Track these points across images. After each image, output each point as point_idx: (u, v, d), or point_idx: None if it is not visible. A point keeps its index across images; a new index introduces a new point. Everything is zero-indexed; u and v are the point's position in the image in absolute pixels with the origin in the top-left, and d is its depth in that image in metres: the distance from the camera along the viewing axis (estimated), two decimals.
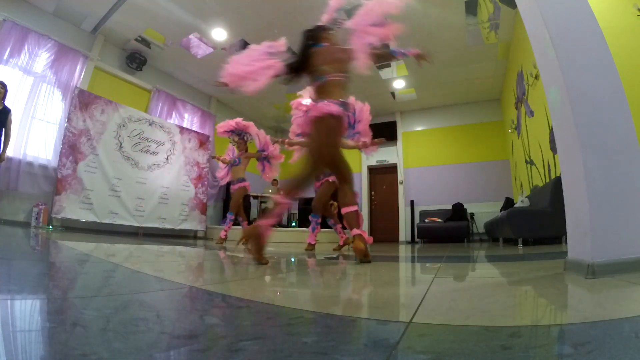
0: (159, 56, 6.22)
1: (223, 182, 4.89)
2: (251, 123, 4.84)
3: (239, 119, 4.86)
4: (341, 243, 3.72)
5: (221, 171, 5.10)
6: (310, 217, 3.79)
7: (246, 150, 4.84)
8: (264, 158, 4.80)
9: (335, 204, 7.91)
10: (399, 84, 7.06)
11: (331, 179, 3.57)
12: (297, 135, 3.97)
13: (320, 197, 3.68)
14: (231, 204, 4.75)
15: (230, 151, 5.01)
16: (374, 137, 3.57)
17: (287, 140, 3.92)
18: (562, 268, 1.42)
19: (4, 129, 3.88)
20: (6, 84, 3.93)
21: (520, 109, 5.44)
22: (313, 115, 2.04)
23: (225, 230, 4.58)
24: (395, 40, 2.34)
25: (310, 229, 3.79)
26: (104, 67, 5.67)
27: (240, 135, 4.81)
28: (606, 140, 1.28)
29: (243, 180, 4.69)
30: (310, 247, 3.64)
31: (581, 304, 0.92)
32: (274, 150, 4.76)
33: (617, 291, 1.00)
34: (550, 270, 1.59)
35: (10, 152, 4.16)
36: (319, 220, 3.73)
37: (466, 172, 7.46)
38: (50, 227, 4.62)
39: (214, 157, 5.35)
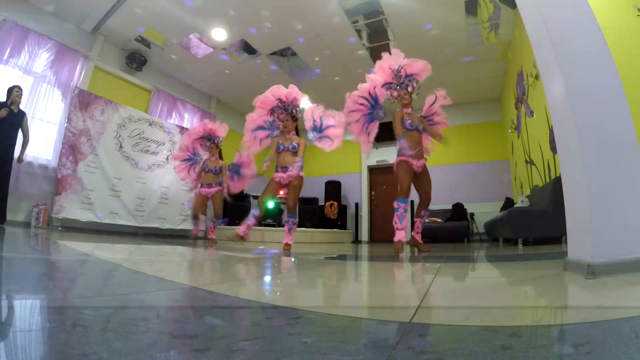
0: (159, 56, 6.22)
1: (210, 190, 4.63)
2: (219, 127, 4.78)
3: (206, 121, 4.94)
4: (290, 242, 3.57)
5: (189, 177, 4.97)
6: (287, 217, 3.63)
7: (220, 155, 4.81)
8: (235, 172, 4.77)
9: (336, 204, 7.95)
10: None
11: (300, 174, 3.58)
12: (254, 129, 3.87)
13: (295, 197, 3.58)
14: (217, 207, 4.72)
15: (188, 149, 4.96)
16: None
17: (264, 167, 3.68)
18: (562, 268, 1.42)
19: (21, 131, 4.01)
20: (21, 87, 4.02)
21: (520, 109, 5.44)
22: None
23: (213, 231, 4.71)
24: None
25: (286, 229, 3.61)
26: (104, 67, 5.67)
27: (211, 140, 4.76)
28: (606, 140, 1.28)
29: (219, 184, 4.67)
30: (288, 247, 3.46)
31: (581, 304, 0.92)
32: (246, 170, 4.75)
33: (617, 291, 1.00)
34: (550, 270, 1.59)
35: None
36: (296, 220, 3.61)
37: (466, 172, 7.46)
38: (59, 228, 4.62)
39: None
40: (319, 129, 3.77)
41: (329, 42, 5.69)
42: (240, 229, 3.45)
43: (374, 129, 3.45)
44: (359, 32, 5.42)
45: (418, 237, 3.26)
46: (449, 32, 5.29)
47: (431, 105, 3.47)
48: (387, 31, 5.33)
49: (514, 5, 4.12)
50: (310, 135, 3.83)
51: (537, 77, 4.17)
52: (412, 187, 3.23)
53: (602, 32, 1.41)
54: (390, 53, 3.23)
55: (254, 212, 3.50)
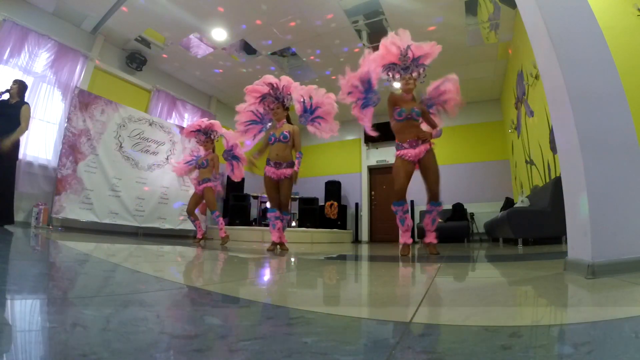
0: (159, 56, 6.22)
1: (200, 187, 4.54)
2: (216, 122, 4.72)
3: (204, 119, 4.84)
4: (285, 241, 3.45)
5: (188, 175, 4.88)
6: (282, 215, 3.43)
7: (213, 150, 4.74)
8: (232, 157, 4.64)
9: (336, 204, 7.95)
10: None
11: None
12: (247, 122, 3.60)
13: (288, 194, 3.39)
14: (209, 203, 4.62)
15: (195, 151, 4.90)
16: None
17: (252, 158, 3.51)
18: (562, 268, 1.42)
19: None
20: (22, 81, 3.94)
21: (520, 109, 5.44)
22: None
23: (222, 229, 4.54)
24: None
25: (280, 226, 3.41)
26: (104, 67, 5.67)
27: (207, 135, 4.69)
28: (606, 140, 1.28)
29: (209, 180, 4.57)
30: (286, 248, 3.27)
31: (581, 304, 0.92)
32: (240, 151, 4.64)
33: (617, 291, 1.00)
34: (550, 270, 1.59)
35: None
36: (289, 218, 3.39)
37: (466, 172, 7.46)
38: (59, 228, 4.61)
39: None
40: (310, 111, 3.44)
41: (329, 42, 5.69)
42: (275, 236, 3.27)
43: (369, 114, 3.10)
44: (359, 32, 5.42)
45: (430, 237, 2.87)
46: (449, 32, 5.29)
47: (438, 86, 3.20)
48: (387, 31, 5.32)
49: (514, 5, 4.12)
50: (302, 120, 3.49)
51: (537, 77, 4.17)
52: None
53: (602, 32, 1.41)
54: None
55: (273, 214, 3.31)
